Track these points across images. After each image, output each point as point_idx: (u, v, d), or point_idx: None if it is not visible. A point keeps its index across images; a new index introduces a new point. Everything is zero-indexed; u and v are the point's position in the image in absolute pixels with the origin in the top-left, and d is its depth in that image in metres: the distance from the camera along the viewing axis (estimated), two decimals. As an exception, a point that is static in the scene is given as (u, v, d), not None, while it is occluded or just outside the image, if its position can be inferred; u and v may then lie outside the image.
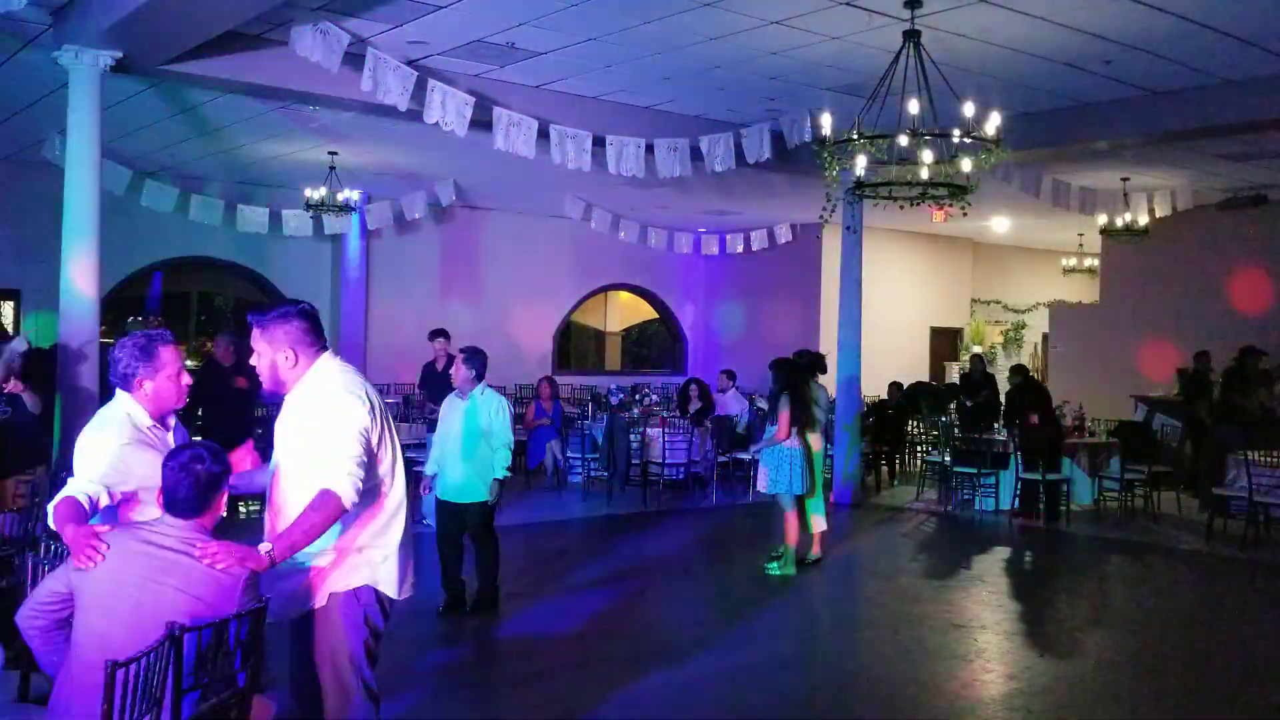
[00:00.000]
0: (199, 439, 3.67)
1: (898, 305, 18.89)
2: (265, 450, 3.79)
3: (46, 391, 7.53)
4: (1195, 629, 7.17)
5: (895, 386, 14.34)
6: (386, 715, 4.33)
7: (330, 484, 3.32)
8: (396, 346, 16.64)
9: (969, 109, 6.83)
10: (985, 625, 6.98)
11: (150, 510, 3.33)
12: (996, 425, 11.90)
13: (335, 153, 12.65)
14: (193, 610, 2.94)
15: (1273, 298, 14.57)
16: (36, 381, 7.24)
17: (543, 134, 9.70)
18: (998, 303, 21.31)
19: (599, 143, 10.18)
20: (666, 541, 9.64)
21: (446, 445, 6.80)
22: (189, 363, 11.22)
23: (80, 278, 7.96)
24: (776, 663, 6.18)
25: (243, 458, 3.97)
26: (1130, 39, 8.24)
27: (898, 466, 14.01)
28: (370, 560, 3.54)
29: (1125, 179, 13.10)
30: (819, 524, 8.61)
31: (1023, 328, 21.39)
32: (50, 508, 3.29)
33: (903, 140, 6.89)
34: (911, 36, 7.11)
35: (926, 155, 7.05)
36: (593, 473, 12.21)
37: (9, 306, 13.84)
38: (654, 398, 14.70)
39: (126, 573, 3.00)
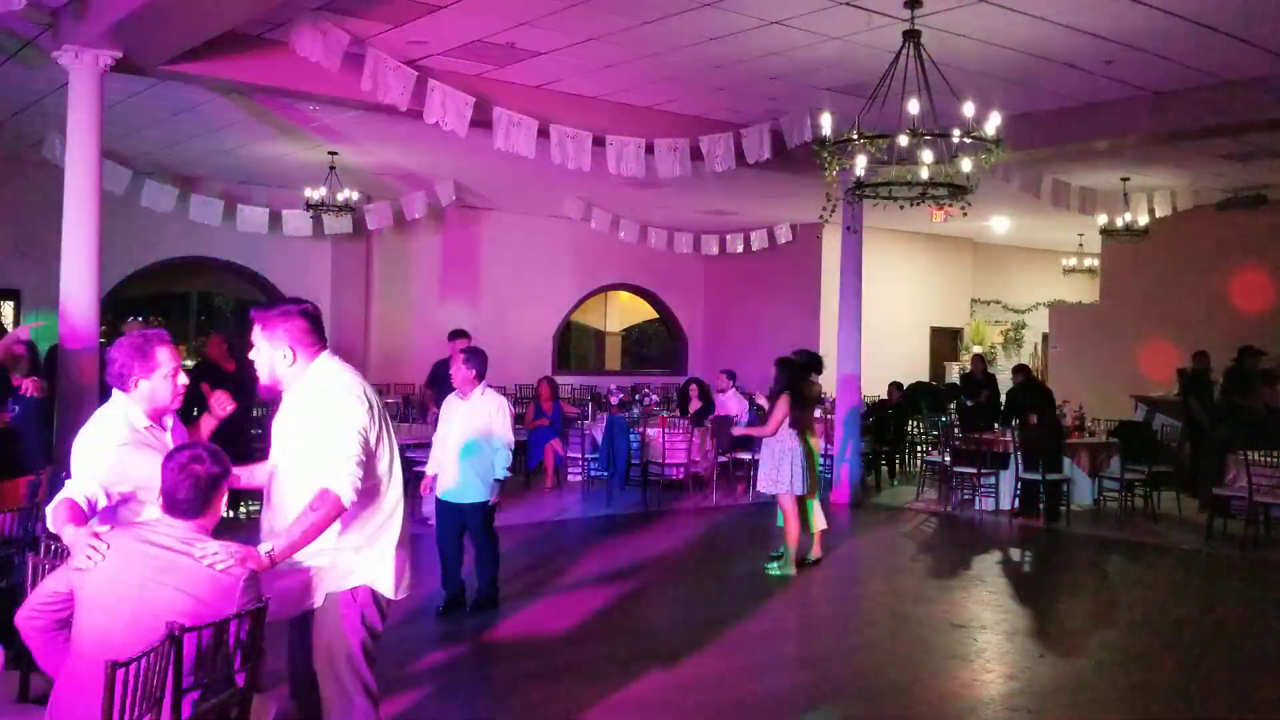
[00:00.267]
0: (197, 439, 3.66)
1: (898, 305, 18.89)
2: (264, 450, 3.78)
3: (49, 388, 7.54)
4: (1195, 629, 7.17)
5: (895, 386, 14.34)
6: (386, 715, 4.33)
7: (329, 483, 3.32)
8: (396, 347, 16.66)
9: (969, 109, 6.83)
10: (985, 625, 6.98)
11: (149, 511, 3.33)
12: (997, 425, 11.90)
13: (335, 153, 12.65)
14: (193, 610, 2.94)
15: (1273, 298, 14.56)
16: (43, 375, 7.27)
17: (543, 134, 9.71)
18: (998, 303, 21.31)
19: (599, 143, 10.18)
20: (666, 541, 9.64)
21: (447, 445, 6.80)
22: (187, 362, 11.24)
23: (80, 278, 7.96)
24: (776, 663, 6.18)
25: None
26: (1130, 39, 8.24)
27: (898, 466, 14.02)
28: (367, 560, 3.54)
29: (1125, 179, 13.10)
30: (820, 523, 8.62)
31: (1023, 328, 21.39)
32: (49, 510, 3.29)
33: (903, 140, 6.89)
34: (911, 36, 7.11)
35: (926, 155, 7.05)
36: (593, 473, 12.21)
37: (9, 306, 13.84)
38: (654, 398, 14.70)
39: (126, 573, 3.00)
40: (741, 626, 6.81)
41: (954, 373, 18.96)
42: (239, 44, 8.44)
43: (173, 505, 3.12)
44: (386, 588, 3.59)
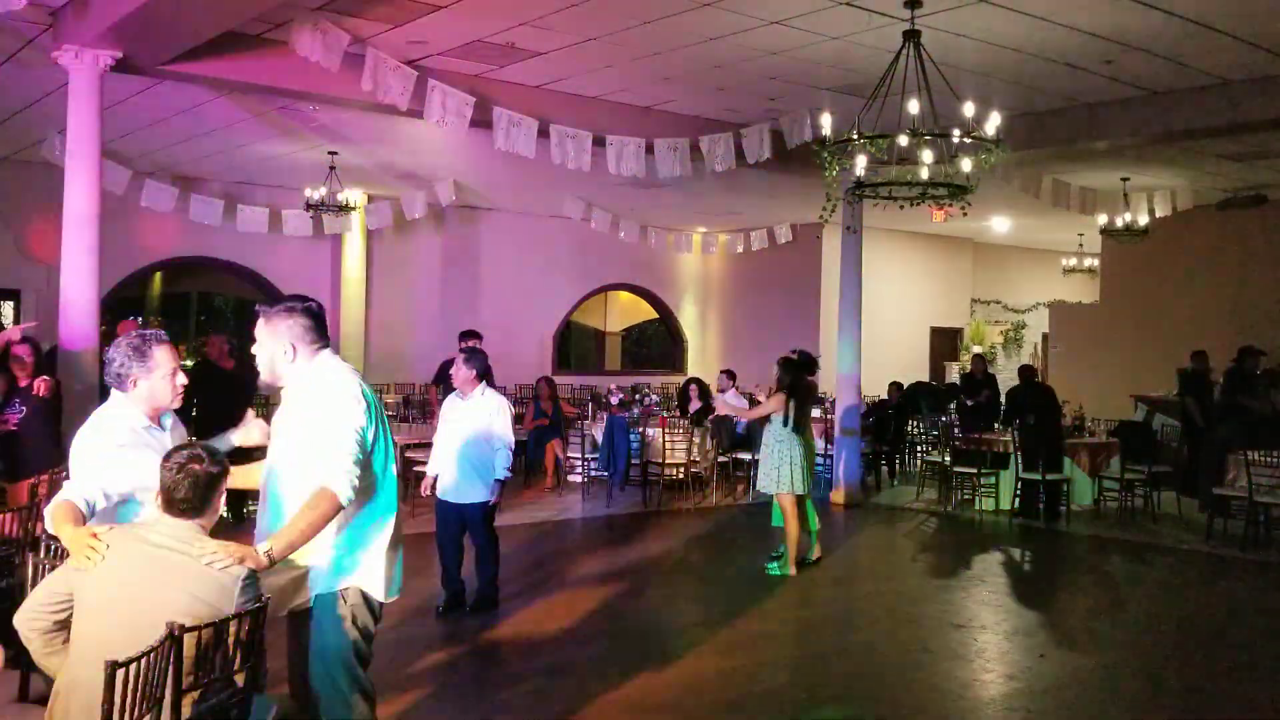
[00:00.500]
0: (195, 439, 3.66)
1: (898, 305, 18.90)
2: (264, 450, 3.78)
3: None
4: (1195, 629, 7.17)
5: (895, 386, 14.34)
6: (385, 715, 4.34)
7: (327, 481, 3.33)
8: (396, 347, 16.66)
9: (969, 109, 6.83)
10: (985, 625, 6.98)
11: (148, 511, 3.32)
12: (997, 425, 11.90)
13: (335, 153, 12.66)
14: (192, 610, 2.93)
15: (1272, 298, 14.57)
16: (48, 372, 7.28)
17: (543, 134, 9.71)
18: (998, 303, 21.32)
19: (599, 143, 10.18)
20: (666, 541, 9.64)
21: (447, 445, 6.80)
22: (187, 362, 11.23)
23: (80, 278, 7.96)
24: (776, 663, 6.18)
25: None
26: (1130, 39, 8.24)
27: (898, 466, 14.01)
28: (357, 561, 3.54)
29: (1125, 179, 13.11)
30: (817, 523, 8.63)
31: (1023, 328, 21.41)
32: (47, 511, 3.29)
33: (903, 140, 6.89)
34: (911, 36, 7.11)
35: (926, 155, 7.05)
36: (593, 473, 12.21)
37: (9, 306, 13.85)
38: (654, 398, 14.70)
39: (126, 573, 3.00)
40: (741, 626, 6.81)
41: (954, 373, 18.97)
42: (239, 44, 8.44)
43: (171, 504, 3.12)
44: (377, 589, 3.58)
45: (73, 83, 7.98)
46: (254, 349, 3.63)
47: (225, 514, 8.72)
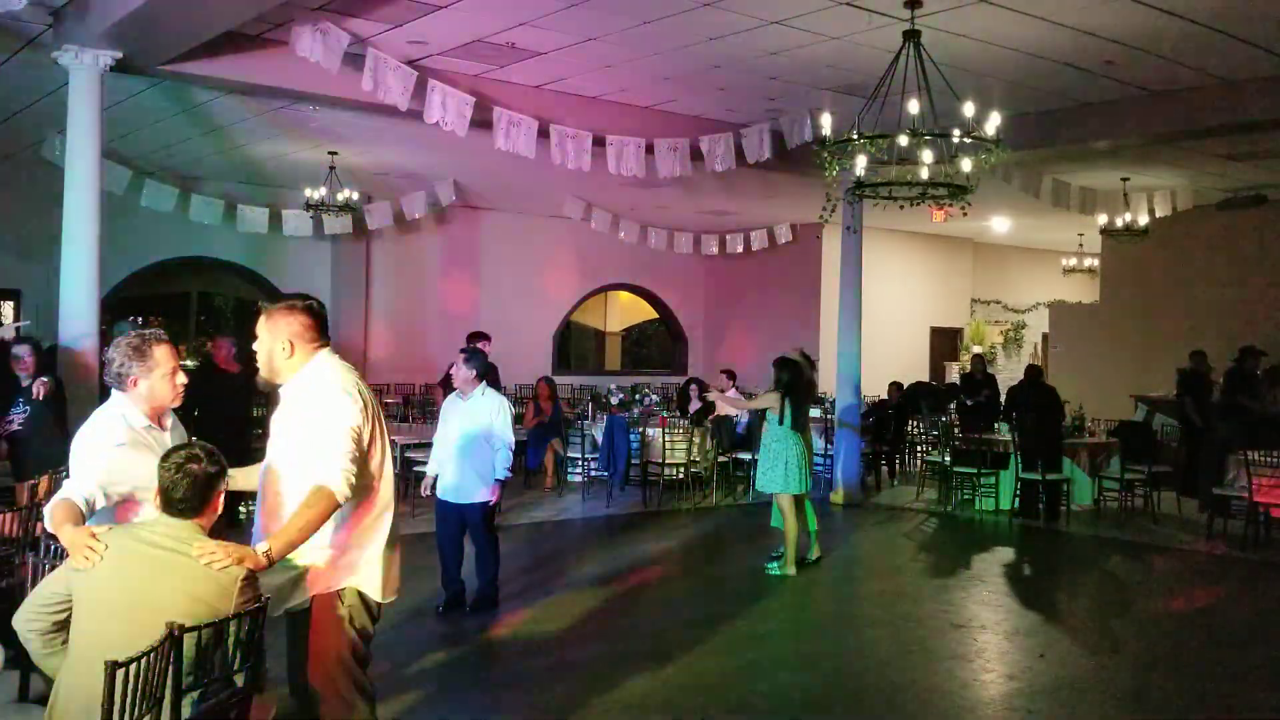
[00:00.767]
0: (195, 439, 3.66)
1: (898, 305, 18.89)
2: (264, 450, 3.78)
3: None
4: (1195, 629, 7.17)
5: (895, 386, 14.34)
6: (386, 715, 4.33)
7: (324, 479, 3.33)
8: (396, 347, 16.66)
9: (969, 109, 6.83)
10: (985, 625, 6.98)
11: (147, 510, 3.32)
12: (996, 425, 11.90)
13: (335, 153, 12.65)
14: (191, 610, 2.93)
15: (1271, 298, 14.57)
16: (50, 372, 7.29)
17: (543, 134, 9.71)
18: (998, 303, 21.32)
19: (599, 143, 10.18)
20: (666, 541, 9.64)
21: (447, 445, 6.80)
22: (187, 362, 11.23)
23: (80, 278, 7.96)
24: (776, 663, 6.18)
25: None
26: (1130, 39, 8.24)
27: (898, 466, 14.01)
28: (354, 562, 3.54)
29: (1125, 179, 13.11)
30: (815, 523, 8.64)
31: (1023, 328, 21.40)
32: (46, 511, 3.29)
33: (903, 140, 6.89)
34: (911, 36, 7.11)
35: (926, 155, 7.05)
36: (593, 473, 12.21)
37: (9, 306, 13.84)
38: (654, 398, 14.70)
39: (125, 573, 2.99)
40: (741, 626, 6.81)
41: (954, 373, 18.96)
42: (239, 44, 8.44)
43: (170, 504, 3.11)
44: (374, 590, 3.58)
45: (73, 83, 7.99)
46: (255, 345, 3.65)
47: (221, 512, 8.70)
